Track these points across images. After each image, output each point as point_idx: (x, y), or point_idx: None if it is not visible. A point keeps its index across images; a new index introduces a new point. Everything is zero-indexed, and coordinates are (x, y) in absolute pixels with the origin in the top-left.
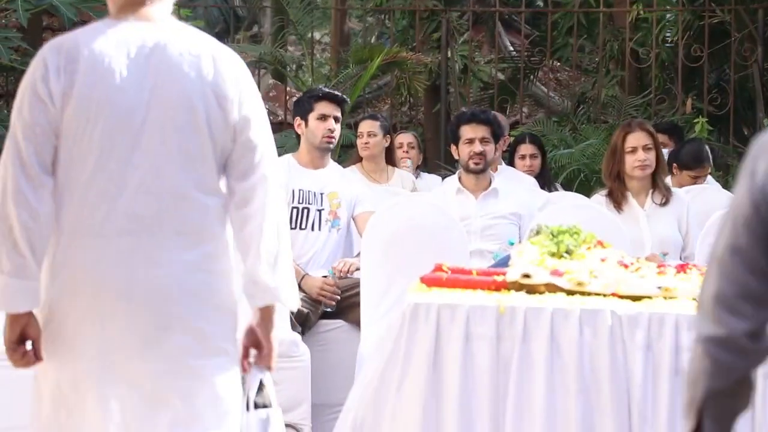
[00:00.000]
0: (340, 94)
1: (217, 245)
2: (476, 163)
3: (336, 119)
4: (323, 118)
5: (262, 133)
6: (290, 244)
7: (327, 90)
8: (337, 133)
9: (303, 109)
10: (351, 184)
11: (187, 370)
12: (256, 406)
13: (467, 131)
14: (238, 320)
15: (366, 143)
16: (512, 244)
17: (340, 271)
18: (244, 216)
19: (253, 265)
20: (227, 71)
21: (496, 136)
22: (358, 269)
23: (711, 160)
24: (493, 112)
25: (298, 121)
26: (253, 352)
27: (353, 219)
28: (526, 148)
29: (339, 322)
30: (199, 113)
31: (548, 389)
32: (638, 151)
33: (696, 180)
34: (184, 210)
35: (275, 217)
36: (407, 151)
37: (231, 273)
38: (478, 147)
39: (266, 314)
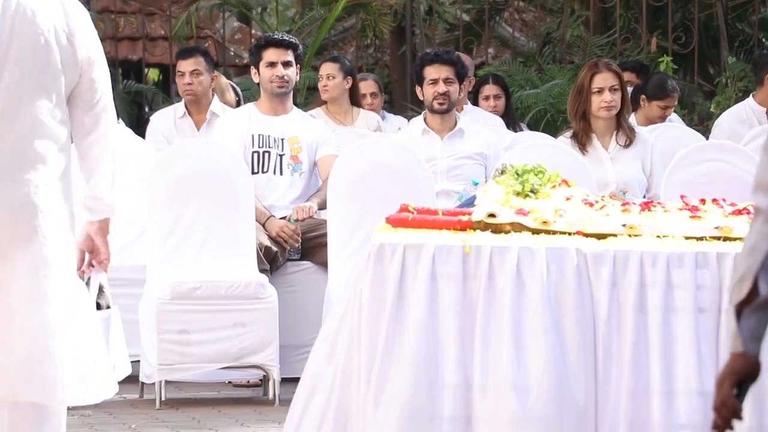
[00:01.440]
0: (286, 37)
1: (64, 167)
2: (440, 104)
3: (286, 64)
4: (271, 65)
5: (103, 71)
6: (123, 167)
7: (272, 36)
8: (291, 77)
9: (254, 58)
10: (312, 128)
11: (36, 277)
12: (99, 307)
13: (431, 72)
14: (75, 232)
15: (325, 86)
16: (476, 184)
17: (300, 219)
18: (88, 143)
19: (96, 184)
20: (75, 15)
21: (460, 76)
22: (316, 212)
23: (678, 91)
24: (457, 52)
25: (253, 70)
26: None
27: (315, 162)
28: (489, 89)
29: (306, 264)
30: (53, 52)
31: (515, 327)
32: (605, 92)
33: (665, 111)
34: (40, 136)
35: (113, 144)
36: (371, 103)
37: (71, 190)
38: (441, 87)
39: (104, 225)
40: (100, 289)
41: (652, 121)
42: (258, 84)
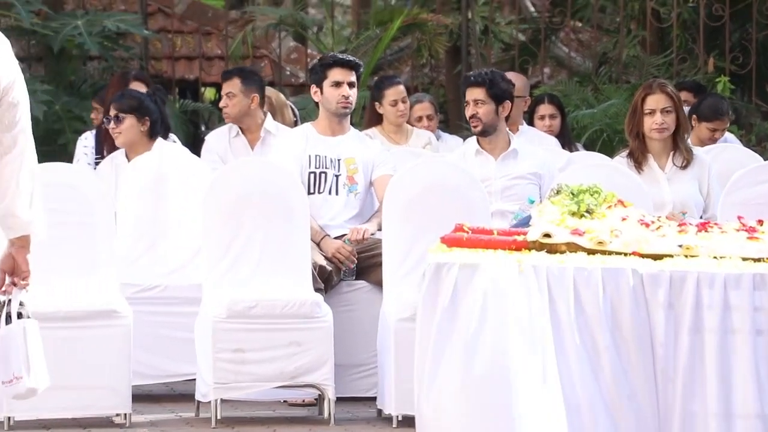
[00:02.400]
0: (352, 58)
1: None
2: (474, 126)
3: (351, 84)
4: (337, 84)
5: (23, 92)
6: (41, 185)
7: (339, 56)
8: (353, 98)
9: (317, 76)
10: (368, 148)
11: None
12: (20, 316)
13: (466, 94)
14: None
15: (402, 111)
16: (532, 202)
17: (355, 240)
18: (4, 162)
19: (12, 201)
20: None
21: (496, 97)
22: (372, 234)
23: (730, 115)
24: (498, 72)
25: (314, 89)
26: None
27: (372, 182)
28: (545, 109)
29: (361, 283)
30: None
31: (575, 347)
32: (656, 113)
33: (714, 133)
34: None
35: (31, 163)
36: (427, 125)
37: None
38: (471, 110)
39: (24, 242)
40: (21, 305)
41: (702, 142)
42: (316, 103)
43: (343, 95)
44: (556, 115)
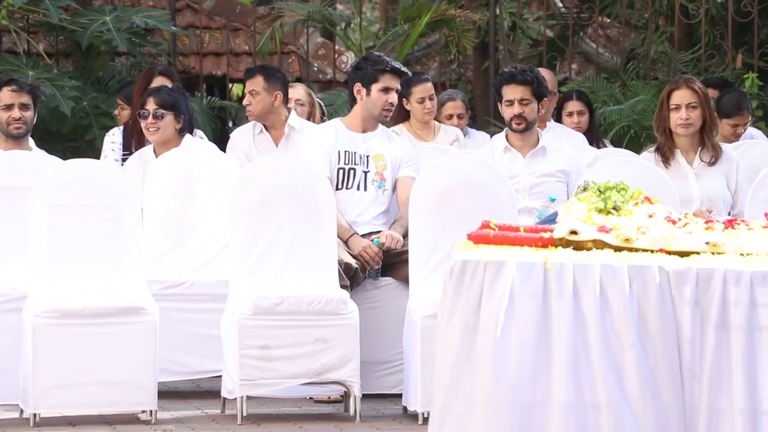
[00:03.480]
0: (405, 69)
1: None
2: (518, 124)
3: (397, 92)
4: (386, 90)
5: None
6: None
7: (395, 64)
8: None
9: (367, 77)
10: (396, 146)
11: None
12: None
13: (507, 92)
14: None
15: (429, 109)
16: (553, 200)
17: (386, 245)
18: None
19: None
20: None
21: (538, 95)
22: (403, 244)
23: (750, 109)
24: (536, 69)
25: (358, 87)
26: None
27: (395, 181)
28: (573, 105)
29: (388, 280)
30: None
31: (599, 344)
32: (681, 109)
33: (735, 128)
34: None
35: None
36: (458, 124)
37: None
38: (516, 109)
39: None
40: None
41: (727, 139)
42: (353, 98)
43: (391, 102)
44: (584, 111)
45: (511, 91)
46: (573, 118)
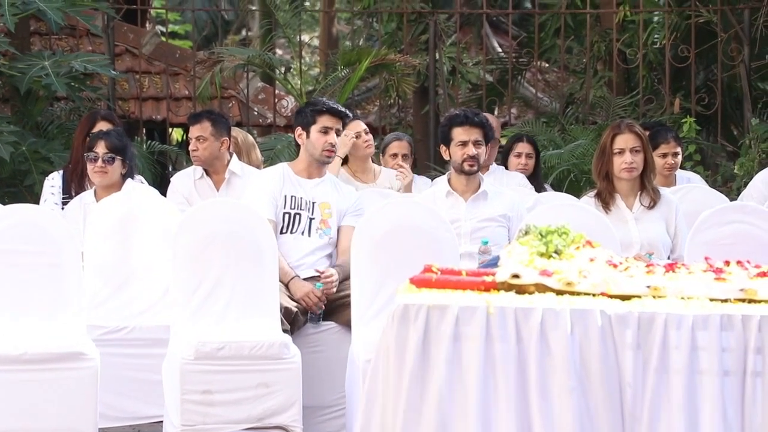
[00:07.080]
0: (343, 109)
1: None
2: (471, 165)
3: (337, 132)
4: (325, 131)
5: None
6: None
7: (331, 104)
8: (337, 146)
9: (306, 120)
10: (343, 196)
11: None
12: None
13: (460, 133)
14: None
15: (366, 141)
16: (486, 243)
17: (326, 283)
18: None
19: None
20: None
21: (488, 138)
22: (345, 288)
23: (678, 139)
24: (484, 113)
25: (299, 131)
26: None
27: (338, 228)
28: (522, 147)
29: (330, 324)
30: None
31: (540, 389)
32: (625, 153)
33: (665, 159)
34: None
35: None
36: (401, 165)
37: None
38: (471, 150)
39: None
40: None
41: (660, 172)
42: (297, 144)
43: (330, 143)
44: (532, 154)
45: (465, 133)
46: (521, 159)
